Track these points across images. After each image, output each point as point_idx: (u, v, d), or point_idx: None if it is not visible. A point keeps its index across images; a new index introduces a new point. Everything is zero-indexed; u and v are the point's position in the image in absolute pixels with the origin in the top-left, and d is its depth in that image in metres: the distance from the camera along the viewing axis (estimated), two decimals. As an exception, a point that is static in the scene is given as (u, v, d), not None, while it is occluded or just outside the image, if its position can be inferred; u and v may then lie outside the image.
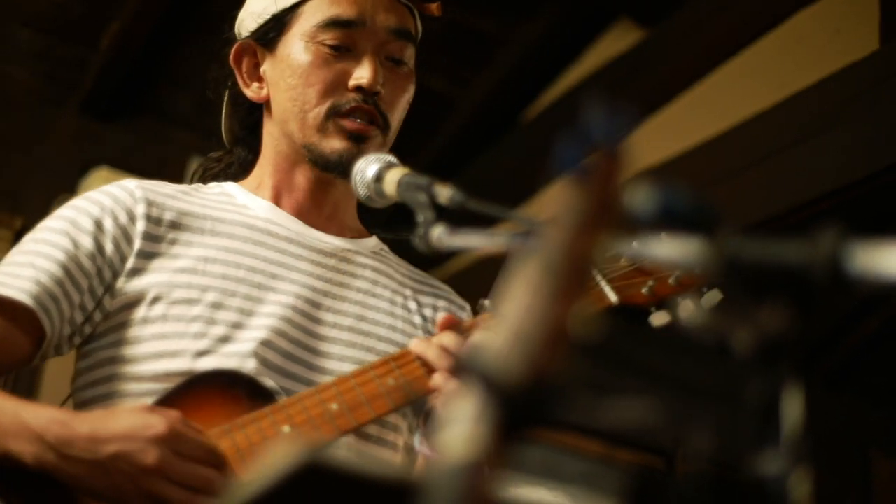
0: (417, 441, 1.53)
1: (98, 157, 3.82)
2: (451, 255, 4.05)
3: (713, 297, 1.48)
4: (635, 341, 1.59)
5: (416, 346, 1.42)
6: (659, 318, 1.50)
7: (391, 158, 1.43)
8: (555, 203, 0.66)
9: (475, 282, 3.90)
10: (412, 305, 1.63)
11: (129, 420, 1.27)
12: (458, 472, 0.59)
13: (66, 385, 1.52)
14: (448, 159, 4.16)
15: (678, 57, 3.62)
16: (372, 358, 1.50)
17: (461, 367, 0.60)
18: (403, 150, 1.64)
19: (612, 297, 1.49)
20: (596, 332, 0.66)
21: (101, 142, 3.91)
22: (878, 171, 2.82)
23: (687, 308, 1.54)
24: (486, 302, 1.47)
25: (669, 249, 0.74)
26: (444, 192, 1.26)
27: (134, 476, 1.24)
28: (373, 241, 1.67)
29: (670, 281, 1.51)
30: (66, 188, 3.80)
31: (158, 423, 1.26)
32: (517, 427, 0.61)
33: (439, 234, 1.21)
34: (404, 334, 1.58)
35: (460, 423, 0.59)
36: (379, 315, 1.58)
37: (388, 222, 1.68)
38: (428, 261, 1.65)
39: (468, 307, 1.67)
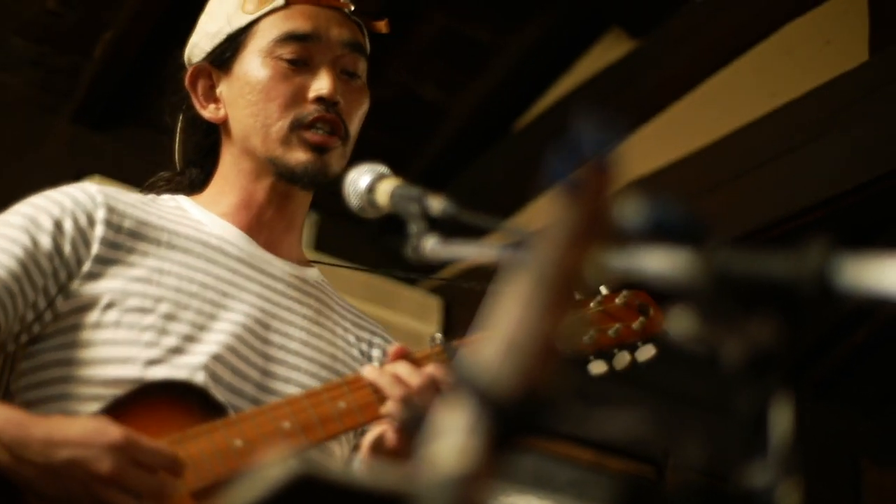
0: (357, 467, 1.54)
1: (91, 165, 3.80)
2: (442, 265, 4.05)
3: (648, 350, 1.56)
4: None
5: (369, 372, 1.43)
6: (597, 367, 1.55)
7: (383, 169, 1.43)
8: (546, 215, 0.67)
9: (465, 293, 3.90)
10: (351, 338, 1.66)
11: (85, 426, 1.26)
12: (451, 483, 0.59)
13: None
14: (440, 167, 4.15)
15: (669, 67, 3.63)
16: (315, 383, 1.53)
17: (453, 380, 0.60)
18: (395, 158, 1.65)
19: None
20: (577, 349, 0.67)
21: (95, 150, 3.90)
22: (868, 180, 2.83)
23: (623, 360, 1.61)
24: (438, 336, 1.49)
25: (658, 262, 0.74)
26: (436, 204, 1.26)
27: (87, 483, 1.23)
28: (315, 272, 1.69)
29: (610, 333, 1.56)
30: (58, 196, 3.79)
31: (114, 430, 1.25)
32: (509, 438, 0.61)
33: (431, 245, 1.22)
34: (344, 365, 1.61)
35: (452, 435, 0.60)
36: (322, 343, 1.60)
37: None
38: (420, 270, 1.66)
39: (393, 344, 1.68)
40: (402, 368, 1.42)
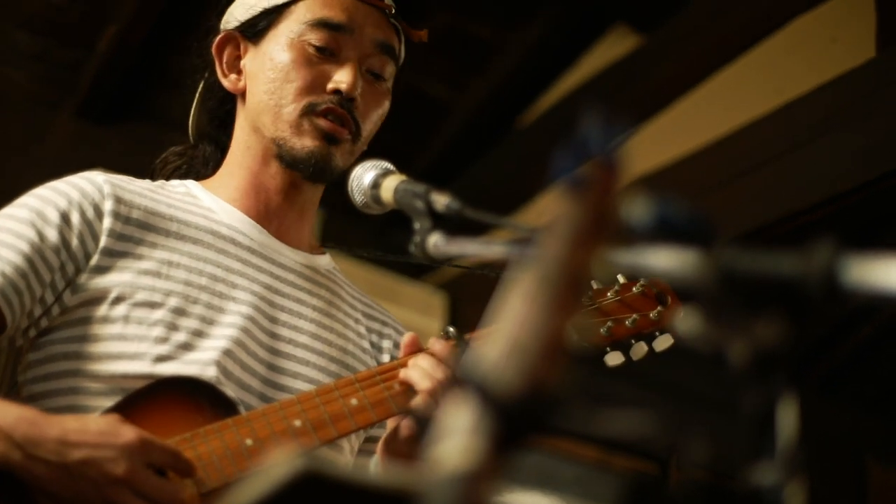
0: (374, 466, 1.52)
1: (94, 160, 3.78)
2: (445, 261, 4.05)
3: (666, 340, 1.54)
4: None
5: (403, 374, 1.43)
6: (613, 359, 1.54)
7: (388, 165, 1.43)
8: (551, 212, 0.67)
9: (470, 289, 3.90)
10: (361, 330, 1.65)
11: (100, 426, 1.25)
12: (455, 482, 0.59)
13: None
14: (444, 165, 4.15)
15: (674, 63, 3.62)
16: (325, 377, 1.52)
17: (459, 379, 0.60)
18: (399, 155, 1.64)
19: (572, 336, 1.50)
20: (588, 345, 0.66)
21: (98, 145, 3.90)
22: (873, 178, 2.83)
23: (640, 350, 1.59)
24: (450, 329, 1.48)
25: (665, 261, 0.74)
26: (441, 200, 1.25)
27: (100, 484, 1.23)
28: (326, 260, 1.68)
29: (627, 323, 1.54)
30: (62, 191, 3.79)
31: (129, 432, 1.25)
32: (513, 437, 0.61)
33: (436, 242, 1.21)
34: (354, 357, 1.60)
35: (457, 434, 0.59)
36: (332, 336, 1.59)
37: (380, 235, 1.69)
38: (422, 267, 1.66)
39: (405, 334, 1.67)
40: (426, 362, 1.41)
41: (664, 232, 0.73)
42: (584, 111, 0.69)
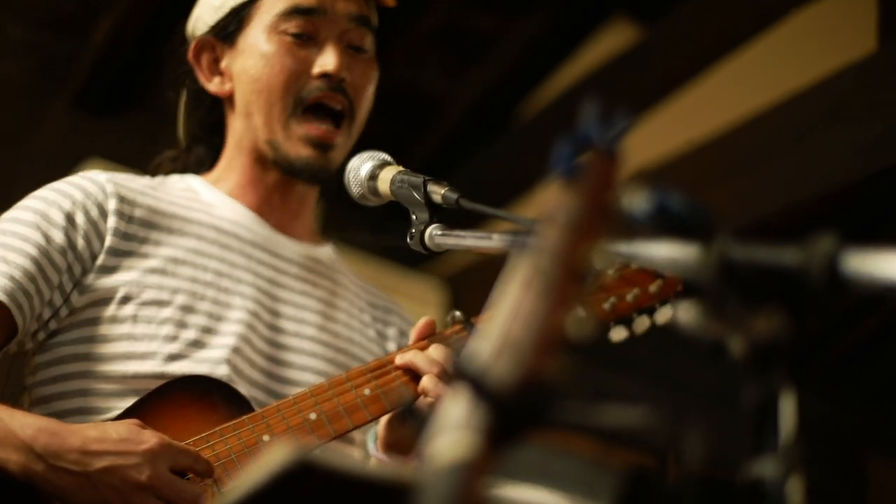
0: (372, 446, 1.52)
1: (89, 152, 3.79)
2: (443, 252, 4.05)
3: (666, 312, 1.53)
4: (631, 343, 1.60)
5: (401, 358, 1.42)
6: (617, 334, 1.54)
7: (385, 157, 1.42)
8: (550, 205, 0.66)
9: (470, 280, 3.90)
10: (366, 318, 1.65)
11: (120, 433, 1.26)
12: (451, 476, 0.58)
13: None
14: (441, 158, 4.14)
15: (675, 55, 3.61)
16: (332, 369, 1.52)
17: (454, 373, 0.59)
18: (396, 148, 1.63)
19: None
20: (591, 333, 0.65)
21: (93, 137, 3.89)
22: (874, 173, 2.81)
23: (643, 324, 1.60)
24: (457, 313, 1.48)
25: (665, 253, 0.73)
26: (439, 191, 1.25)
27: (124, 491, 1.23)
28: (328, 250, 1.68)
29: (629, 298, 1.55)
30: (59, 183, 3.79)
31: (150, 437, 1.25)
32: (509, 431, 0.60)
33: (433, 234, 1.21)
34: (361, 347, 1.60)
35: (453, 428, 0.59)
36: (339, 326, 1.59)
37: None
38: (421, 257, 1.65)
39: (413, 322, 1.67)
40: (436, 352, 1.41)
41: (664, 224, 0.72)
42: (584, 103, 0.68)
